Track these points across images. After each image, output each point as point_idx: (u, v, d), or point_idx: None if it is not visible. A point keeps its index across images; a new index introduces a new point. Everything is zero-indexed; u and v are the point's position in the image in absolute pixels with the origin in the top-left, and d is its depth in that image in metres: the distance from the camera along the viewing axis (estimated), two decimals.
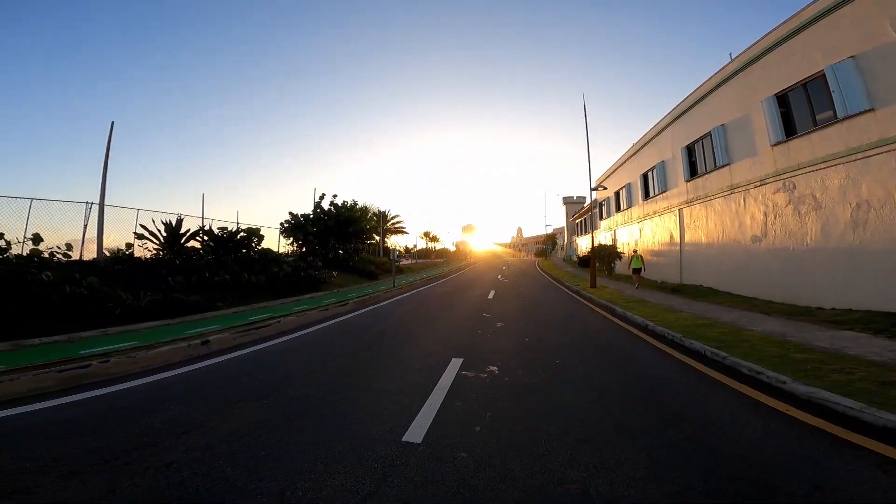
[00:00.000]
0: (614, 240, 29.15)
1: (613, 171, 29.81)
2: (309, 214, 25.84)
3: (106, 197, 13.18)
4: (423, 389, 4.72)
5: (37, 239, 9.45)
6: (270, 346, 7.56)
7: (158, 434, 3.56)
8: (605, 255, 25.97)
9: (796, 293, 10.92)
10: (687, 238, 17.94)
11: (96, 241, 12.59)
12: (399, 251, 47.21)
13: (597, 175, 33.35)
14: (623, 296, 14.35)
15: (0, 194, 10.53)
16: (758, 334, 7.20)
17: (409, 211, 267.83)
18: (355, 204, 28.64)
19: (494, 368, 5.67)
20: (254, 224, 18.67)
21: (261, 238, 17.57)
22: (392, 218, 54.41)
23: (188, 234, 15.44)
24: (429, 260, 66.57)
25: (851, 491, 2.58)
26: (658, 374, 5.42)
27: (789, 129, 11.62)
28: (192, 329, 9.15)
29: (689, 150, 17.67)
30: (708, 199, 15.93)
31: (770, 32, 12.07)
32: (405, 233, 60.53)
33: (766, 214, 12.50)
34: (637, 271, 18.29)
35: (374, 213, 42.31)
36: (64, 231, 12.40)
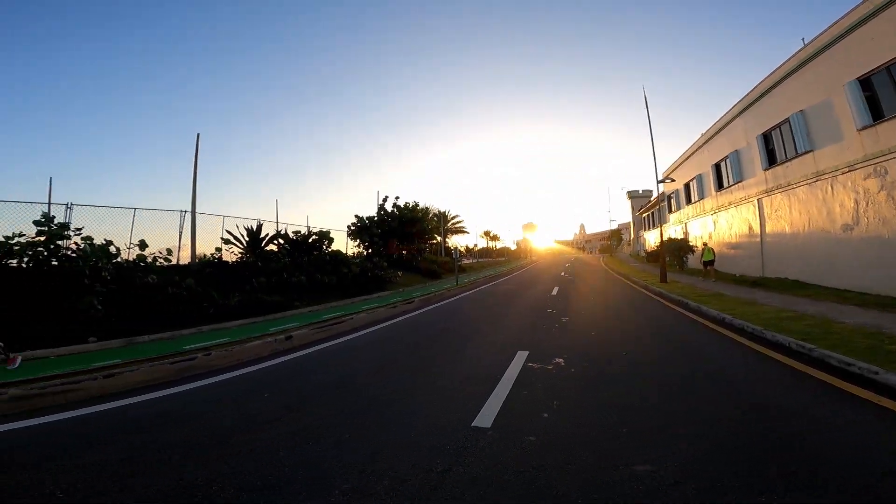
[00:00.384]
0: (686, 233, 27.82)
1: (681, 163, 28.52)
2: (373, 217, 26.84)
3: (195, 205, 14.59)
4: (490, 380, 4.90)
5: (142, 245, 10.67)
6: (345, 341, 8.08)
7: (256, 418, 4.01)
8: (676, 250, 24.90)
9: (894, 284, 9.98)
10: (768, 229, 16.85)
11: (190, 246, 13.96)
12: (460, 250, 47.70)
13: (662, 168, 31.87)
14: (696, 290, 13.73)
15: (108, 205, 12.02)
16: (849, 326, 6.72)
17: (468, 211, 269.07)
18: (416, 205, 29.37)
19: (560, 360, 5.75)
20: (321, 227, 19.80)
21: (331, 241, 18.56)
22: (452, 218, 55.01)
23: (267, 238, 16.67)
24: (489, 259, 66.55)
25: None
26: (734, 365, 5.28)
27: (876, 113, 10.79)
28: (274, 326, 9.93)
29: (766, 138, 16.71)
30: (790, 187, 14.91)
31: (848, 14, 11.30)
32: (465, 232, 60.98)
33: (856, 202, 11.54)
34: (708, 264, 17.92)
35: (435, 214, 43.05)
36: (161, 237, 13.88)
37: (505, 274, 31.59)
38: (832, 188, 12.59)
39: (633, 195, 67.58)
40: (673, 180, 25.94)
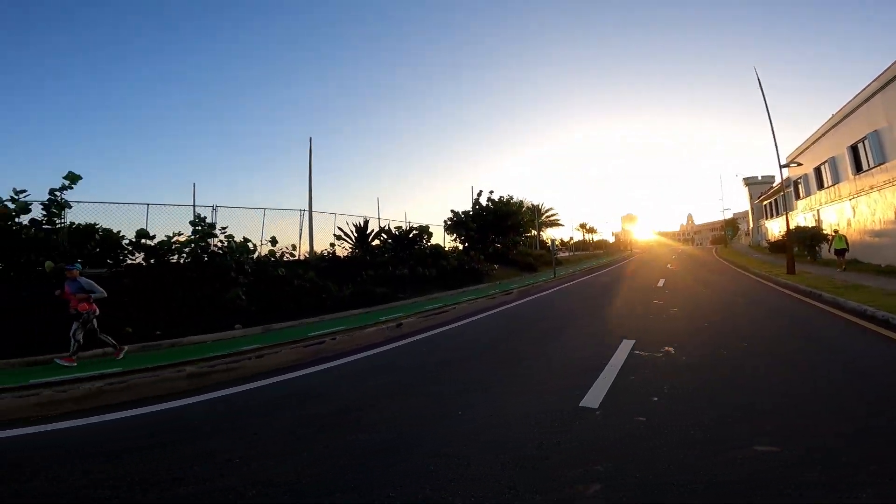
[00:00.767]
0: (818, 220, 24.77)
1: (809, 146, 25.55)
2: (468, 211, 27.39)
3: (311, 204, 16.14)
4: (595, 365, 4.99)
5: (273, 241, 12.12)
6: (451, 328, 8.55)
7: (377, 394, 4.51)
8: (807, 238, 22.33)
9: None
10: None
11: (308, 241, 15.52)
12: (557, 243, 46.74)
13: (784, 153, 28.53)
14: (832, 281, 12.30)
15: (240, 206, 13.85)
16: None
17: (563, 203, 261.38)
18: (511, 199, 29.41)
19: (670, 349, 5.67)
20: (417, 222, 20.77)
21: (430, 235, 19.39)
22: (546, 211, 54.07)
23: (372, 233, 17.90)
24: (586, 252, 64.32)
25: None
26: (870, 356, 4.86)
27: None
28: (384, 315, 10.73)
29: None
30: None
31: None
32: (560, 225, 59.69)
33: None
34: (840, 253, 16.50)
35: (528, 208, 42.62)
36: (280, 234, 15.58)
37: (603, 266, 30.53)
38: None
39: (750, 182, 60.97)
40: (799, 164, 23.18)
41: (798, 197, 29.45)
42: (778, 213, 37.38)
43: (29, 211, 9.03)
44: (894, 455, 2.60)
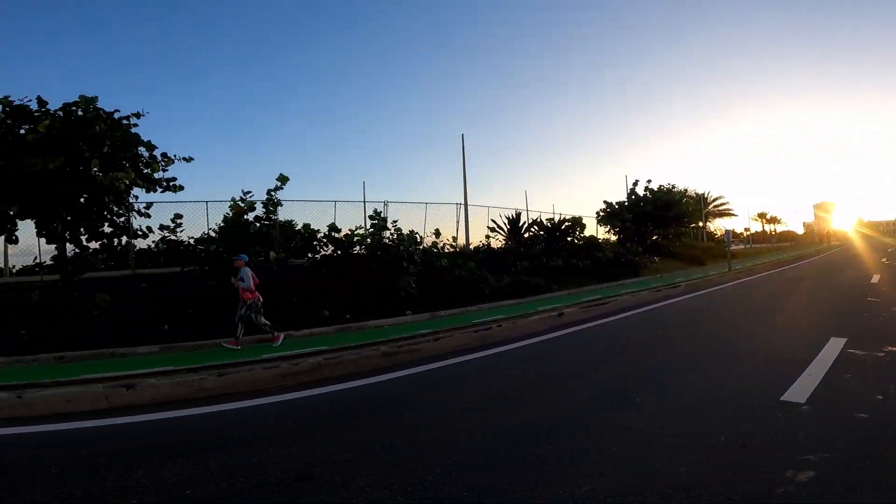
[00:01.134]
0: None
1: None
2: (623, 202, 25.90)
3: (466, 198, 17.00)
4: (797, 362, 4.53)
5: (437, 233, 13.11)
6: (615, 320, 8.34)
7: (550, 376, 4.74)
8: None
9: None
10: None
11: (464, 234, 16.40)
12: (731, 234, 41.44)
13: None
14: None
15: (403, 200, 15.26)
16: None
17: (735, 192, 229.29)
18: (673, 187, 27.02)
19: (894, 349, 4.84)
20: (567, 213, 20.27)
21: (583, 227, 18.87)
22: (714, 200, 48.22)
23: (525, 225, 18.10)
24: (766, 244, 55.73)
25: None
26: None
27: None
28: (541, 306, 10.82)
29: None
30: None
31: None
32: (732, 215, 52.95)
33: None
34: None
35: (691, 197, 38.48)
36: (438, 226, 16.70)
37: (791, 261, 26.34)
38: None
39: None
40: None
41: None
42: None
43: (254, 209, 11.20)
44: None
